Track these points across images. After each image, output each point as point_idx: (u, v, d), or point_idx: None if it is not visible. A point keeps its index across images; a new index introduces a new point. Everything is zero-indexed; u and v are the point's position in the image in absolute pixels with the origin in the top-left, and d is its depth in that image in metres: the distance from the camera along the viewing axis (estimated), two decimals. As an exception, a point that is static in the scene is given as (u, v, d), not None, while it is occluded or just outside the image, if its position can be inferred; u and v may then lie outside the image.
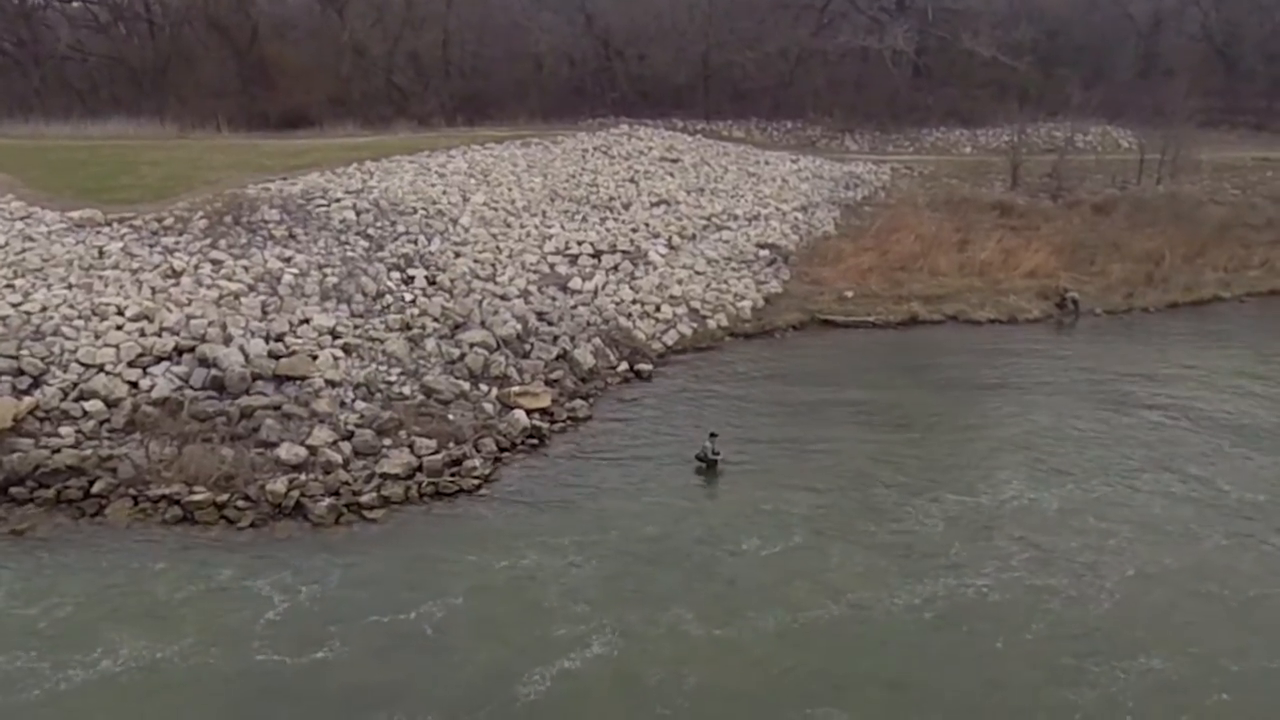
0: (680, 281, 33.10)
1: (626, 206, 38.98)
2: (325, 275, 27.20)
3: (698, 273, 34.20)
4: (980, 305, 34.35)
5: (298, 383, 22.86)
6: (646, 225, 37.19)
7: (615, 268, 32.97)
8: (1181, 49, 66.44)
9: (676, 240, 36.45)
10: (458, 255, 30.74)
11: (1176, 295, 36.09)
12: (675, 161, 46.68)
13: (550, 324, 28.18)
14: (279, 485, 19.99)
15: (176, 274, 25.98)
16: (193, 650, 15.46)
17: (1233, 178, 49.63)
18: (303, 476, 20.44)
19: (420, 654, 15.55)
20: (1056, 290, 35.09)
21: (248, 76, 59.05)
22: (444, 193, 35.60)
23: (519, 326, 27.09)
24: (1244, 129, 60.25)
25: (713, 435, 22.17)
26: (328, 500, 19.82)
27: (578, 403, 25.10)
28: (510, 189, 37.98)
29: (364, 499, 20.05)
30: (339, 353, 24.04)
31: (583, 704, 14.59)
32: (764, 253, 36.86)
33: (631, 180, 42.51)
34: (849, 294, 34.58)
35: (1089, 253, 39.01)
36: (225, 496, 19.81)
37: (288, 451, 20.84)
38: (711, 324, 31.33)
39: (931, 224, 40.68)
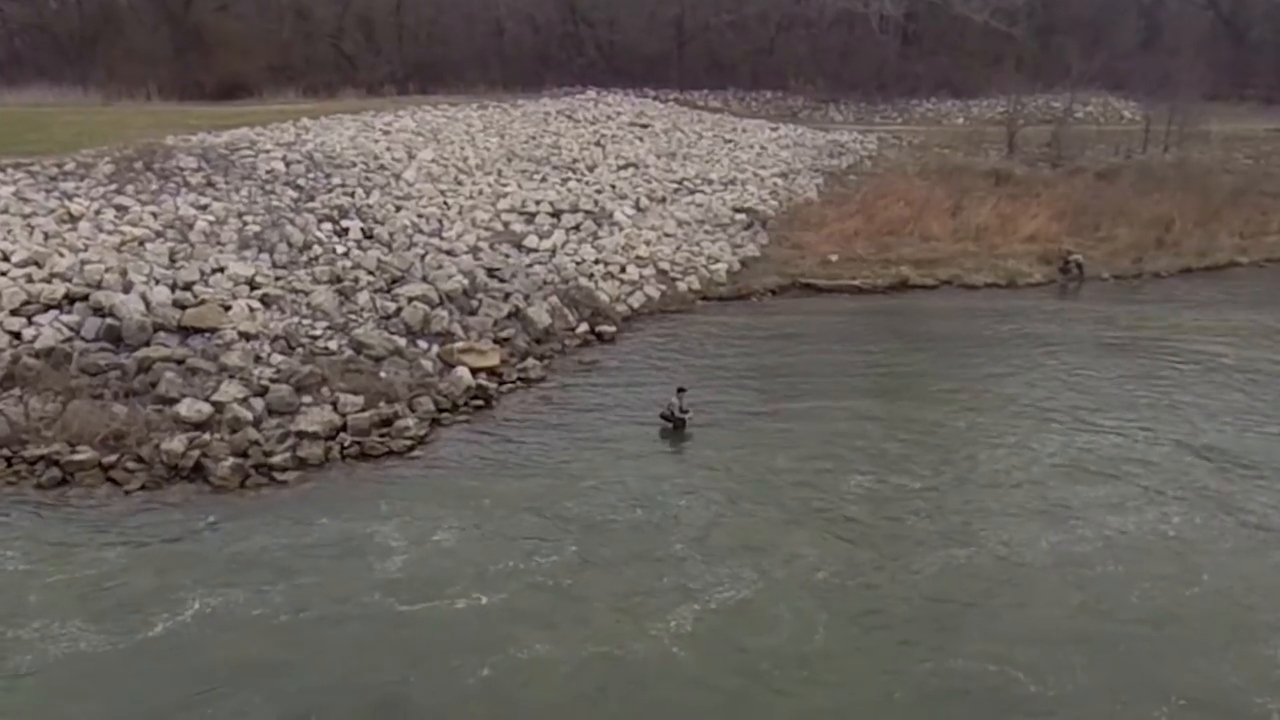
0: (648, 243, 31.51)
1: (591, 169, 37.46)
2: (245, 224, 25.38)
3: (667, 234, 32.65)
4: (976, 270, 32.94)
5: (206, 335, 21.00)
6: (613, 187, 35.65)
7: (576, 227, 31.33)
8: (1186, 18, 65.59)
9: (645, 202, 34.90)
10: (399, 209, 29.02)
11: (1190, 260, 34.78)
12: (645, 127, 45.29)
13: (502, 281, 26.45)
14: (176, 444, 18.12)
15: (74, 219, 24.09)
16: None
17: (1244, 148, 48.61)
18: (205, 435, 18.55)
19: (280, 637, 13.50)
20: (1059, 254, 33.69)
21: (181, 43, 57.05)
22: (387, 149, 33.97)
23: (466, 282, 25.31)
24: (1254, 101, 59.28)
25: (680, 390, 20.46)
26: (232, 460, 17.97)
27: (530, 362, 23.41)
28: (463, 147, 36.41)
29: (275, 460, 18.24)
30: (256, 304, 22.26)
31: (506, 696, 12.80)
32: (740, 217, 35.29)
33: (598, 144, 41.13)
34: (833, 258, 33.07)
35: (1093, 218, 37.58)
36: (113, 457, 17.95)
37: (189, 408, 18.95)
38: (682, 286, 29.76)
39: (922, 190, 39.20)
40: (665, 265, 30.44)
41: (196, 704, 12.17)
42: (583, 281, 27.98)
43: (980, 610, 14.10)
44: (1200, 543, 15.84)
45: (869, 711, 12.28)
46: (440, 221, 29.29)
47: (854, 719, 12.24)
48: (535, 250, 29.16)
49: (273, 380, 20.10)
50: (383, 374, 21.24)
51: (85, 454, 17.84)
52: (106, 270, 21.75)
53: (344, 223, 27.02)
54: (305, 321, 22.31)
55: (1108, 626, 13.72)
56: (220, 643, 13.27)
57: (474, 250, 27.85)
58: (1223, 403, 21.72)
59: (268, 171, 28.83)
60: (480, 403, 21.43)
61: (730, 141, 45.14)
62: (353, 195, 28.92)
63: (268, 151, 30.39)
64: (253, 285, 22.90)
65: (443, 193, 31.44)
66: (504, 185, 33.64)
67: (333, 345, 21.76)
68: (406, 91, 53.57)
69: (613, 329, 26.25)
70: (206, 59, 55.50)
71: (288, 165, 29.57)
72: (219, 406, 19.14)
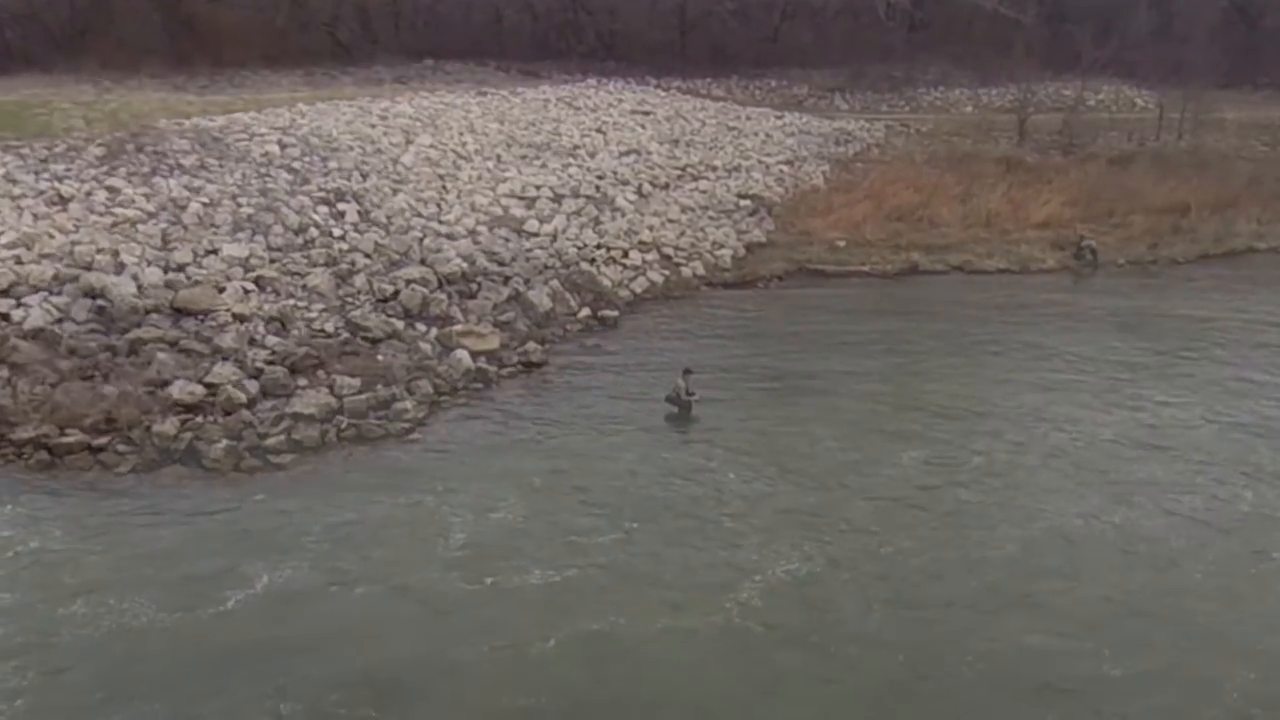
0: (651, 228, 31.21)
1: (592, 154, 37.32)
2: (239, 206, 25.29)
3: (671, 220, 32.34)
4: (988, 255, 32.62)
5: (200, 316, 20.91)
6: (614, 173, 35.44)
7: (578, 212, 31.09)
8: (1198, 5, 65.17)
9: (648, 188, 34.74)
10: (396, 192, 28.87)
11: (1207, 246, 34.34)
12: (648, 114, 45.10)
13: (501, 264, 26.25)
14: (168, 427, 17.93)
15: (64, 200, 24.01)
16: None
17: (1260, 135, 48.54)
18: (198, 417, 18.38)
19: (288, 620, 13.33)
20: (1073, 240, 33.38)
21: (175, 32, 56.95)
22: (384, 134, 33.88)
23: (465, 265, 25.18)
24: (1269, 89, 59.02)
25: (687, 372, 20.21)
26: (225, 443, 17.74)
27: (531, 346, 23.12)
28: (461, 133, 36.28)
29: (270, 442, 18.01)
30: (250, 285, 22.18)
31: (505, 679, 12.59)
32: (745, 203, 35.07)
33: (599, 130, 40.91)
34: (841, 243, 32.72)
35: (1107, 204, 37.16)
36: (104, 440, 17.68)
37: (182, 390, 18.76)
38: (686, 272, 29.45)
39: (931, 177, 38.91)
40: (669, 250, 30.13)
41: (217, 688, 12.03)
42: (584, 266, 27.72)
43: (1046, 587, 14.01)
44: (1262, 521, 15.80)
45: (938, 689, 12.16)
46: (439, 205, 29.10)
47: (923, 697, 12.09)
48: (536, 235, 28.88)
49: (267, 362, 19.93)
50: (380, 356, 21.06)
51: (75, 436, 17.61)
52: (98, 251, 21.70)
53: (340, 206, 26.86)
54: (301, 304, 22.15)
55: (1177, 604, 13.68)
56: (227, 627, 13.10)
57: (473, 234, 27.66)
58: (1265, 381, 21.58)
59: (262, 154, 28.73)
60: (480, 386, 21.22)
61: (734, 129, 44.93)
62: (349, 179, 28.79)
63: (262, 135, 30.34)
64: (247, 267, 22.80)
65: (440, 177, 31.25)
66: (504, 170, 33.47)
67: (329, 327, 21.61)
68: (404, 81, 53.29)
69: (615, 313, 25.97)
70: (200, 48, 55.39)
71: (283, 149, 29.48)
72: (212, 388, 18.97)
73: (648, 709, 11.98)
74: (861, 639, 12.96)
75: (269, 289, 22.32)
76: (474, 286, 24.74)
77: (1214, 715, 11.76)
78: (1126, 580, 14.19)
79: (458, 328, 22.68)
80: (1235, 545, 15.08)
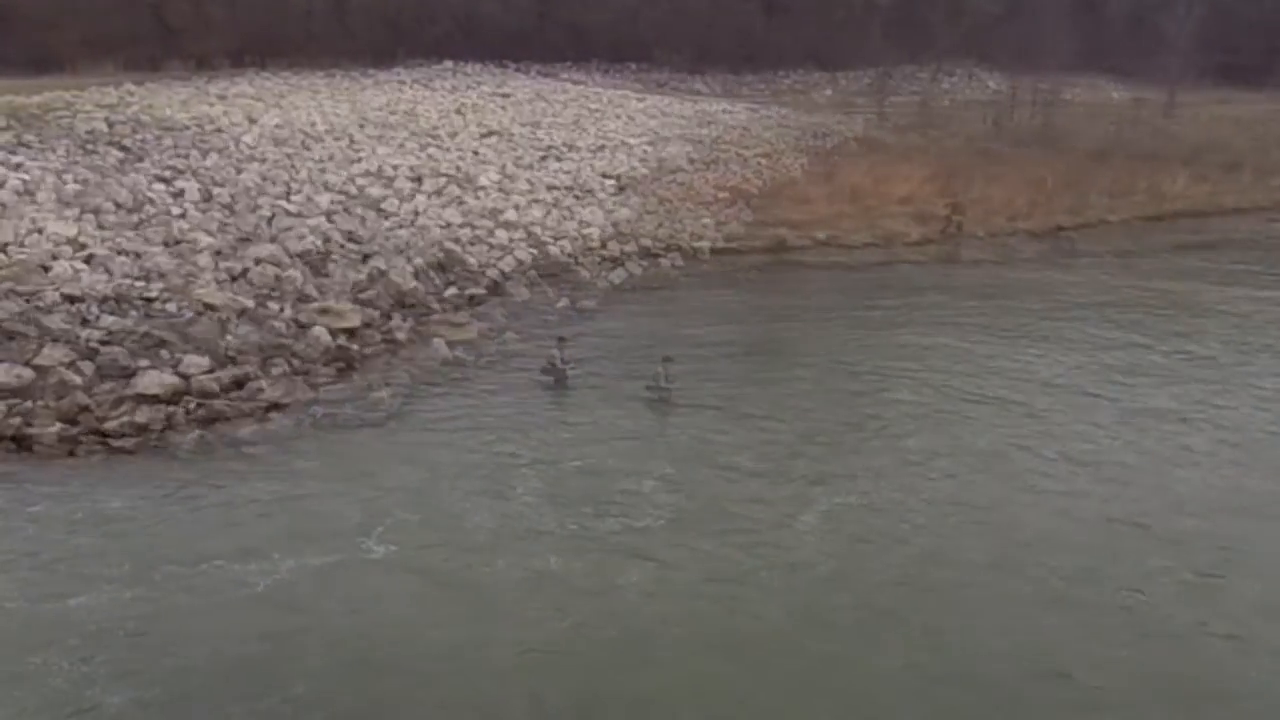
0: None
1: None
2: (65, 183, 25.10)
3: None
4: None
5: (172, 307, 20.28)
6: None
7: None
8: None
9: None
10: (239, 171, 29.13)
11: (1062, 219, 35.17)
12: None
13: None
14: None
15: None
16: None
17: (1106, 116, 50.09)
18: (27, 402, 17.21)
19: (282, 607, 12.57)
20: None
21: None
22: (224, 113, 35.15)
23: (318, 243, 24.63)
24: (1113, 73, 60.99)
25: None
26: (57, 427, 16.74)
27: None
28: (311, 114, 37.44)
29: (110, 426, 16.94)
30: (81, 264, 21.39)
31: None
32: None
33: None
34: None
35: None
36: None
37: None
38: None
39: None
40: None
41: (230, 679, 11.27)
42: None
43: (1063, 573, 13.45)
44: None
45: (961, 676, 11.57)
46: (288, 185, 28.66)
47: (949, 683, 11.46)
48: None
49: (103, 343, 18.92)
50: (230, 336, 19.82)
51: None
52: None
53: (178, 183, 26.67)
54: (139, 283, 21.01)
55: (1188, 588, 13.30)
56: (228, 618, 12.31)
57: (328, 214, 26.92)
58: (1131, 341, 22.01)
59: (88, 131, 29.79)
60: (342, 365, 19.96)
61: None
62: (187, 157, 29.32)
63: (86, 112, 32.48)
64: (78, 245, 22.02)
65: (289, 156, 31.52)
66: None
67: (171, 307, 20.34)
68: (241, 65, 52.74)
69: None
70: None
71: (110, 126, 30.86)
72: (42, 371, 17.90)
73: (666, 696, 11.37)
74: (884, 624, 12.43)
75: (101, 268, 21.13)
76: (330, 265, 23.79)
77: (1229, 703, 11.40)
78: (1140, 560, 13.82)
79: (314, 305, 21.69)
80: (1245, 523, 14.87)
